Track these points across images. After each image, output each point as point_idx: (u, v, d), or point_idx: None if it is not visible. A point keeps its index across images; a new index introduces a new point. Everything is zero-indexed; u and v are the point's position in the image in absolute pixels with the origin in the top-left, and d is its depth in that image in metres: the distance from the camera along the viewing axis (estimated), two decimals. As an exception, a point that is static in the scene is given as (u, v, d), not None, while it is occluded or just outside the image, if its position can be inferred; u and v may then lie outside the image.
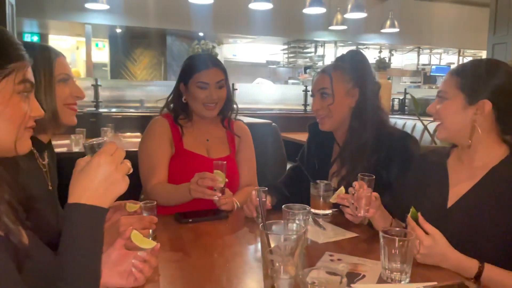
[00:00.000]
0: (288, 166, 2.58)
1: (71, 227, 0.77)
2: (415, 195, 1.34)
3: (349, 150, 1.63)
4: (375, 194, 1.31)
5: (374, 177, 1.33)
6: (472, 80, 1.20)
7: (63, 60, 1.28)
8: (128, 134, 4.35)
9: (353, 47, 9.00)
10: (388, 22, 6.36)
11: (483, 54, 9.98)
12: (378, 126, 1.62)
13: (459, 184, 1.26)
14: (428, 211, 1.22)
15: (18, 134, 0.78)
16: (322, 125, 1.68)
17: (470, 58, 10.03)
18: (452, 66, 9.37)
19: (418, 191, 1.35)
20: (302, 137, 4.52)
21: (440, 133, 1.27)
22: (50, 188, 1.31)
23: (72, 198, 0.79)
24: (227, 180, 1.51)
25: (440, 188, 1.29)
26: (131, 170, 0.84)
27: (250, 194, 1.54)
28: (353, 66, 1.65)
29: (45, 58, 1.21)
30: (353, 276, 1.05)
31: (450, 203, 1.26)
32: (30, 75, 0.81)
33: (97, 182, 0.79)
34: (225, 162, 1.53)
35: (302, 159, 1.84)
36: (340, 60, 1.72)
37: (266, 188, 1.54)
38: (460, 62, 9.69)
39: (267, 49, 9.37)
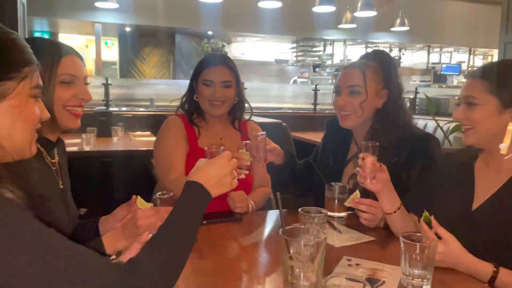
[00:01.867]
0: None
1: (184, 198, 0.91)
2: (439, 194, 1.32)
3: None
4: (383, 166, 1.28)
5: (378, 144, 1.31)
6: (504, 82, 1.18)
7: (71, 59, 1.20)
8: (138, 133, 4.37)
9: (363, 46, 8.95)
10: (398, 21, 6.31)
11: (494, 53, 9.89)
12: (402, 128, 1.60)
13: (485, 187, 1.24)
14: (452, 212, 1.20)
15: (33, 136, 0.81)
16: (345, 121, 1.64)
17: (481, 57, 9.98)
18: (464, 66, 9.34)
19: (442, 191, 1.32)
20: (311, 136, 4.52)
21: (469, 138, 1.24)
22: (61, 186, 1.29)
23: (194, 177, 0.94)
24: (251, 159, 1.48)
25: (466, 190, 1.27)
26: (237, 178, 1.04)
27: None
28: (383, 67, 1.62)
29: (48, 56, 1.14)
30: (372, 282, 1.03)
31: (474, 205, 1.24)
32: (39, 79, 0.82)
33: (213, 175, 0.96)
34: (248, 141, 1.52)
35: (316, 158, 1.81)
36: (368, 58, 1.67)
37: (265, 132, 1.55)
38: (471, 61, 9.61)
39: (276, 48, 9.36)
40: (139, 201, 1.30)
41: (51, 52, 1.16)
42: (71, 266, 0.69)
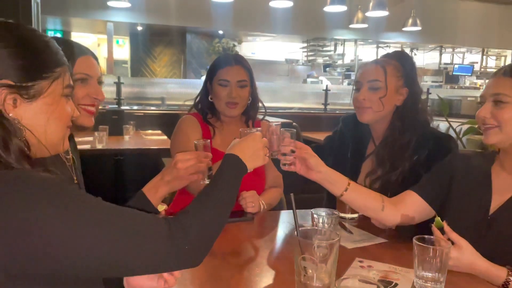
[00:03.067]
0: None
1: (224, 169, 0.97)
2: (456, 196, 1.30)
3: (388, 149, 1.59)
4: (304, 148, 1.27)
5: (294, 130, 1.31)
6: None
7: (86, 59, 1.24)
8: (150, 131, 4.39)
9: (374, 46, 8.90)
10: (410, 20, 6.25)
11: (508, 54, 9.77)
12: (422, 127, 1.59)
13: (502, 191, 1.22)
14: (469, 216, 1.19)
15: (65, 132, 0.86)
16: (363, 116, 1.62)
17: (494, 58, 9.85)
18: (476, 66, 9.21)
19: (459, 194, 1.30)
20: (322, 136, 4.46)
21: (492, 137, 1.20)
22: (76, 182, 1.32)
23: (231, 151, 1.02)
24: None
25: (483, 194, 1.25)
26: (268, 155, 1.12)
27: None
28: (403, 65, 1.62)
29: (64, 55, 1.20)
30: (385, 284, 1.03)
31: (492, 209, 1.22)
32: (70, 79, 0.87)
33: (249, 149, 1.05)
34: (254, 128, 1.39)
35: (326, 151, 1.77)
36: (389, 57, 1.67)
37: (280, 122, 1.40)
38: (484, 62, 9.49)
39: (286, 47, 9.33)
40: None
41: (67, 52, 1.18)
42: (125, 227, 0.74)
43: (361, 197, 1.31)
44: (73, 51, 1.22)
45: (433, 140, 1.55)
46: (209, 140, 1.32)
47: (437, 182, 1.35)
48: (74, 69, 1.18)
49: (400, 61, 1.63)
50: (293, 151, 1.26)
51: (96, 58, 1.31)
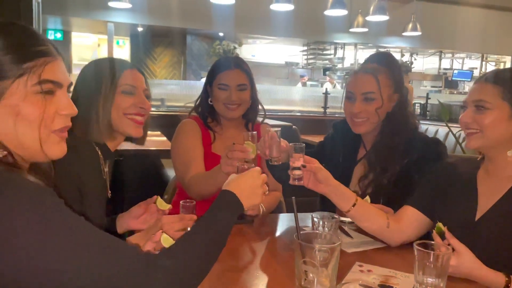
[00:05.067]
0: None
1: (218, 206, 0.94)
2: (443, 204, 1.31)
3: (378, 153, 1.60)
4: (318, 165, 1.29)
5: (304, 145, 1.30)
6: None
7: (132, 72, 1.31)
8: (149, 132, 4.38)
9: (374, 50, 8.90)
10: (410, 25, 6.25)
11: (507, 60, 9.79)
12: (411, 130, 1.60)
13: (487, 196, 1.23)
14: (455, 222, 1.19)
15: (41, 136, 0.76)
16: (359, 128, 1.62)
17: (493, 64, 9.88)
18: (476, 72, 9.25)
19: (447, 201, 1.31)
20: (321, 139, 4.50)
21: (474, 141, 1.22)
22: (109, 196, 1.35)
23: (228, 188, 0.98)
24: (258, 151, 1.43)
25: (469, 199, 1.26)
26: (267, 193, 1.09)
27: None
28: (393, 71, 1.62)
29: (110, 70, 1.27)
30: (385, 289, 1.03)
31: (478, 215, 1.23)
32: (51, 73, 0.77)
33: (247, 187, 1.01)
34: (255, 132, 1.46)
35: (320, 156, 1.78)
36: (374, 61, 1.65)
37: (280, 128, 1.44)
38: (483, 68, 9.52)
39: (286, 50, 9.34)
40: (159, 202, 1.33)
41: (114, 66, 1.29)
42: (101, 252, 0.70)
43: (368, 213, 1.32)
44: (120, 65, 1.30)
45: (422, 144, 1.56)
46: (194, 202, 1.33)
47: (429, 192, 1.36)
48: (121, 81, 1.27)
49: (389, 67, 1.62)
50: (303, 166, 1.27)
51: (142, 73, 1.37)
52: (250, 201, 1.00)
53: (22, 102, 0.73)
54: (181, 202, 1.32)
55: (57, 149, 0.80)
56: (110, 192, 1.34)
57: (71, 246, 0.67)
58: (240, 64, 1.80)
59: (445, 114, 3.68)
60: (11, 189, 0.66)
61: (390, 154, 1.57)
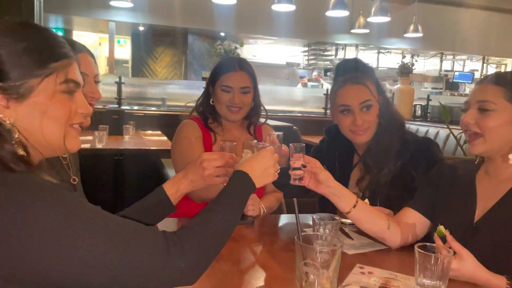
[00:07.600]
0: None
1: (231, 186, 0.96)
2: (443, 206, 1.31)
3: (372, 155, 1.60)
4: (319, 166, 1.28)
5: (303, 144, 1.29)
6: None
7: (82, 57, 1.24)
8: (149, 132, 4.39)
9: (375, 51, 8.92)
10: (412, 27, 6.25)
11: (508, 62, 9.79)
12: (400, 129, 1.61)
13: (486, 198, 1.23)
14: (454, 225, 1.19)
15: (65, 131, 0.81)
16: (363, 137, 1.60)
17: (494, 66, 9.87)
18: (477, 74, 9.26)
19: (446, 202, 1.31)
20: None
21: (478, 147, 1.21)
22: (72, 181, 1.31)
23: (241, 168, 1.00)
24: None
25: (468, 201, 1.26)
26: (278, 171, 1.09)
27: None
28: (371, 74, 1.62)
29: None
30: (385, 291, 1.03)
31: (477, 217, 1.22)
32: (73, 73, 0.82)
33: (258, 166, 1.02)
34: (255, 140, 1.42)
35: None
36: (348, 70, 1.62)
37: (281, 133, 1.42)
38: (484, 70, 9.52)
39: (287, 51, 9.34)
40: None
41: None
42: (121, 238, 0.72)
43: (368, 215, 1.32)
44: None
45: (415, 144, 1.57)
46: (235, 143, 1.29)
47: (429, 194, 1.36)
48: None
49: (366, 71, 1.62)
50: (304, 166, 1.27)
51: (92, 56, 1.31)
52: (263, 181, 1.03)
53: (50, 100, 0.78)
54: (221, 142, 1.30)
55: (76, 143, 0.86)
56: (72, 177, 1.31)
57: (91, 233, 0.69)
58: (245, 66, 1.78)
59: (447, 116, 3.68)
60: (34, 187, 0.69)
61: (385, 153, 1.57)
